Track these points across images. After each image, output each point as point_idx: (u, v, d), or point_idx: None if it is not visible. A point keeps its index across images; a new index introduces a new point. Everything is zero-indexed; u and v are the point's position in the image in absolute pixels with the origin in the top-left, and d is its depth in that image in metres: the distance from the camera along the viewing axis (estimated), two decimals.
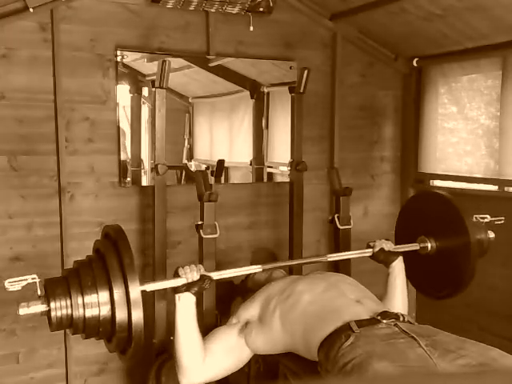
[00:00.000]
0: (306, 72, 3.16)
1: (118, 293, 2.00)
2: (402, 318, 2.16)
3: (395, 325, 2.10)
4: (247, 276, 2.86)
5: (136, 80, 3.22)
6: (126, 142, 3.23)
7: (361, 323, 2.10)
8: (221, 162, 3.43)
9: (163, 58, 2.85)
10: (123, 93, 3.19)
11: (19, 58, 2.95)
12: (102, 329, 2.05)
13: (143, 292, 2.12)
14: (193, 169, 3.41)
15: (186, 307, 2.29)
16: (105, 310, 2.01)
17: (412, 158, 3.90)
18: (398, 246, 2.75)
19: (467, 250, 2.64)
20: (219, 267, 2.71)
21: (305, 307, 2.32)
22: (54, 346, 3.17)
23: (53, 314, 2.01)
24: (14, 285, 2.02)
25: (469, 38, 3.23)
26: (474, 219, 2.74)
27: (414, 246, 2.79)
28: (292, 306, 2.35)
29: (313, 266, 2.95)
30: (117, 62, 3.13)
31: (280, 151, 3.55)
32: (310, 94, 3.37)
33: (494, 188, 3.45)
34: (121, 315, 2.00)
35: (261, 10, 3.30)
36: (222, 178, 3.46)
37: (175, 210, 3.30)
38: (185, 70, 3.34)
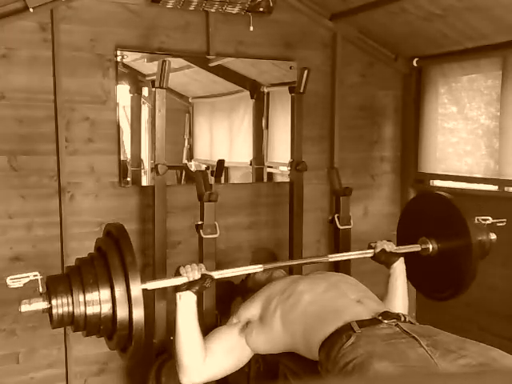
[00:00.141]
0: (305, 72, 3.16)
1: (120, 291, 2.00)
2: (403, 318, 2.16)
3: (396, 325, 2.10)
4: (247, 276, 2.86)
5: (136, 80, 3.22)
6: (126, 141, 3.23)
7: (362, 323, 2.10)
8: (221, 162, 3.43)
9: (163, 58, 2.84)
10: (123, 93, 3.19)
11: (19, 58, 2.95)
12: (102, 326, 2.06)
13: (144, 290, 2.12)
14: (193, 169, 3.41)
15: (186, 306, 2.29)
16: (106, 308, 2.02)
17: (412, 158, 3.90)
18: (399, 247, 2.75)
19: (468, 252, 2.64)
20: (219, 267, 2.71)
21: (305, 307, 2.32)
22: (53, 346, 3.17)
23: (54, 311, 2.02)
24: (15, 281, 2.02)
25: (469, 38, 3.23)
26: (476, 221, 2.74)
27: (416, 247, 2.79)
28: (293, 306, 2.35)
29: (313, 266, 2.95)
30: (117, 62, 3.13)
31: (280, 151, 3.55)
32: (310, 94, 3.37)
33: (494, 188, 3.45)
34: (122, 313, 2.00)
35: (261, 9, 3.30)
36: (222, 178, 3.46)
37: (175, 210, 3.30)
38: (185, 70, 3.34)
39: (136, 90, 3.23)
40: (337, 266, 3.03)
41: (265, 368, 2.74)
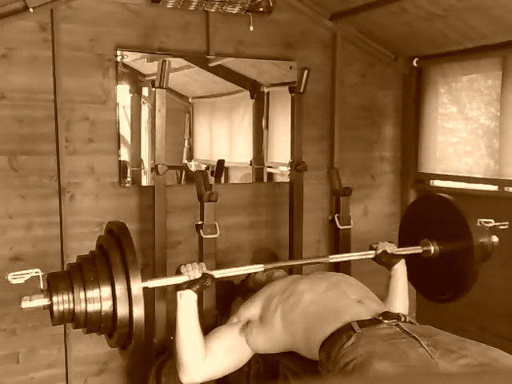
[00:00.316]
0: (305, 72, 3.16)
1: (120, 288, 2.01)
2: (403, 319, 2.16)
3: (396, 325, 2.10)
4: (248, 276, 2.86)
5: (136, 80, 3.22)
6: (126, 141, 3.23)
7: (362, 323, 2.10)
8: (221, 162, 3.43)
9: (163, 58, 2.84)
10: (123, 93, 3.19)
11: (19, 58, 2.95)
12: (103, 324, 2.06)
13: (145, 289, 2.13)
14: (193, 169, 3.41)
15: (187, 305, 2.30)
16: (106, 306, 2.03)
17: (412, 157, 3.90)
18: (400, 249, 2.75)
19: (470, 254, 2.63)
20: (219, 267, 2.71)
21: (306, 307, 2.32)
22: (54, 346, 3.17)
23: (55, 308, 2.02)
24: (16, 278, 2.03)
25: (469, 38, 3.23)
26: (478, 223, 2.73)
27: (417, 249, 2.79)
28: (293, 306, 2.35)
29: (313, 266, 2.94)
30: (117, 62, 3.13)
31: (280, 151, 3.55)
32: (310, 94, 3.37)
33: (494, 188, 3.45)
34: (122, 311, 2.01)
35: (261, 9, 3.30)
36: (222, 178, 3.46)
37: (175, 210, 3.29)
38: (185, 70, 3.34)
39: (136, 90, 3.23)
40: (337, 266, 3.03)
41: (265, 368, 2.74)
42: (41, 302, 2.03)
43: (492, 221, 2.78)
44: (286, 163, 3.40)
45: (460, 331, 2.10)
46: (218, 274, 2.43)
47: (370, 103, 3.85)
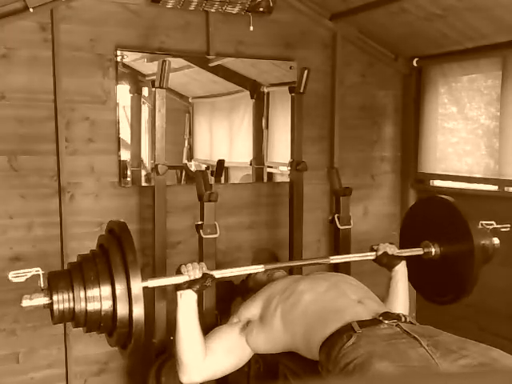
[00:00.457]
0: (305, 72, 3.16)
1: (120, 288, 2.01)
2: (403, 319, 2.16)
3: (397, 325, 2.10)
4: (248, 275, 2.86)
5: (136, 80, 3.22)
6: (126, 141, 3.23)
7: (362, 323, 2.10)
8: (221, 162, 3.43)
9: (163, 58, 2.84)
10: (123, 93, 3.19)
11: (19, 58, 2.95)
12: (103, 323, 2.07)
13: (145, 288, 2.13)
14: (193, 169, 3.41)
15: (187, 304, 2.30)
16: (106, 305, 2.03)
17: (412, 157, 3.90)
18: (401, 250, 2.74)
19: (471, 257, 2.62)
20: (219, 267, 2.70)
21: (306, 307, 2.32)
22: (53, 346, 3.17)
23: (55, 306, 2.03)
24: (17, 277, 2.03)
25: (469, 38, 3.23)
26: (480, 225, 2.73)
27: (418, 251, 2.78)
28: (293, 306, 2.35)
29: (313, 266, 2.95)
30: (117, 62, 3.13)
31: (280, 151, 3.55)
32: (310, 94, 3.37)
33: (494, 188, 3.45)
34: (122, 310, 2.01)
35: (261, 10, 3.30)
36: (222, 178, 3.46)
37: (175, 210, 3.29)
38: (185, 70, 3.34)
39: (136, 90, 3.23)
40: (337, 267, 3.02)
41: (265, 368, 2.74)
42: (41, 300, 2.04)
43: (493, 223, 2.77)
44: (286, 163, 3.40)
45: (460, 331, 2.10)
46: (218, 274, 2.43)
47: (370, 103, 3.85)
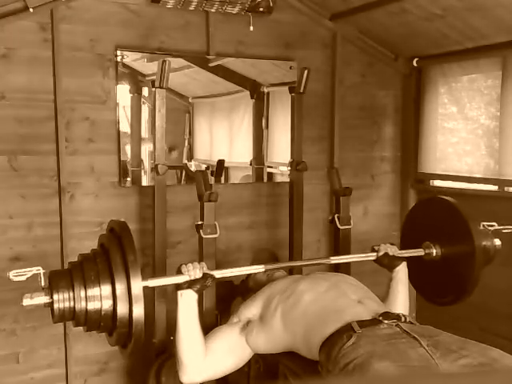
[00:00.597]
0: (305, 72, 3.16)
1: (120, 288, 2.01)
2: (403, 319, 2.16)
3: (397, 325, 2.10)
4: (248, 275, 2.86)
5: (136, 80, 3.22)
6: (126, 141, 3.23)
7: (362, 323, 2.10)
8: (221, 162, 3.43)
9: (163, 58, 2.84)
10: (123, 93, 3.19)
11: (19, 58, 2.95)
12: (103, 323, 2.07)
13: (145, 288, 2.13)
14: (193, 169, 3.41)
15: (187, 304, 2.30)
16: (107, 304, 2.03)
17: (412, 157, 3.90)
18: (402, 251, 2.74)
19: (472, 258, 2.62)
20: (219, 267, 2.71)
21: (306, 307, 2.32)
22: (54, 346, 3.17)
23: (55, 305, 2.03)
24: (18, 276, 2.03)
25: (469, 38, 3.23)
26: (482, 227, 2.72)
27: (419, 252, 2.77)
28: (293, 306, 2.35)
29: (313, 266, 2.94)
30: (117, 62, 3.13)
31: (280, 151, 3.55)
32: (310, 94, 3.37)
33: (494, 188, 3.45)
34: (122, 310, 2.01)
35: (261, 10, 3.30)
36: (222, 178, 3.46)
37: (175, 210, 3.29)
38: (185, 70, 3.34)
39: (136, 90, 3.23)
40: (337, 266, 3.02)
41: (265, 368, 2.73)
42: (42, 299, 2.04)
43: (495, 224, 2.76)
44: (286, 163, 3.40)
45: (460, 331, 2.09)
46: (218, 274, 2.43)
47: (370, 103, 3.85)
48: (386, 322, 2.12)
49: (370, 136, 3.88)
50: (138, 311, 2.01)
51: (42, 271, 2.05)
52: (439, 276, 2.80)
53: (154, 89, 2.85)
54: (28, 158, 3.01)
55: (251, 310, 2.49)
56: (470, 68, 3.50)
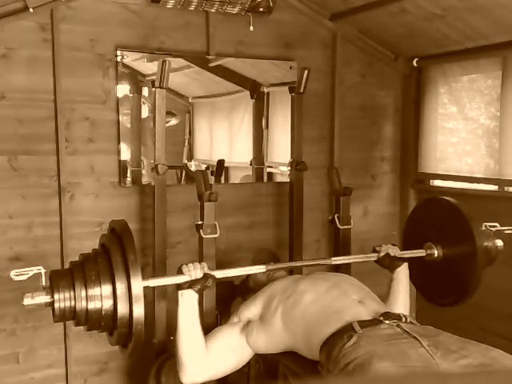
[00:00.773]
0: (305, 72, 3.16)
1: (121, 287, 2.02)
2: (404, 319, 2.16)
3: (397, 325, 2.10)
4: (248, 275, 2.86)
5: (136, 80, 3.21)
6: (126, 141, 3.23)
7: (363, 323, 2.10)
8: (221, 162, 3.43)
9: (163, 58, 2.84)
10: (123, 93, 3.19)
11: (19, 57, 2.95)
12: (103, 322, 2.07)
13: (145, 288, 2.13)
14: (193, 169, 3.41)
15: (188, 304, 2.30)
16: (107, 304, 2.04)
17: (412, 157, 3.90)
18: (403, 252, 2.73)
19: (473, 259, 2.61)
20: (219, 267, 2.71)
21: (307, 307, 2.32)
22: (54, 346, 3.17)
23: (56, 305, 2.04)
24: (19, 275, 2.04)
25: (469, 38, 3.23)
26: (484, 227, 2.71)
27: (421, 253, 2.77)
28: (294, 306, 2.35)
29: (314, 267, 2.94)
30: (117, 62, 3.13)
31: (280, 151, 3.55)
32: (310, 94, 3.37)
33: (494, 188, 3.45)
34: (122, 309, 2.02)
35: (261, 10, 3.30)
36: (222, 178, 3.46)
37: (175, 210, 3.29)
38: (185, 70, 3.34)
39: (136, 90, 3.23)
40: (338, 267, 3.02)
41: (265, 368, 2.74)
42: (43, 299, 2.05)
43: (497, 225, 2.75)
44: (286, 163, 3.41)
45: (460, 331, 2.09)
46: (219, 274, 2.43)
47: (370, 103, 3.85)
48: (386, 322, 2.12)
49: (369, 136, 3.88)
50: (139, 311, 2.02)
51: (43, 271, 2.06)
52: (441, 277, 2.80)
53: (153, 89, 2.85)
54: (28, 157, 3.01)
55: (251, 310, 2.49)
56: (470, 68, 3.50)
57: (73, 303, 2.04)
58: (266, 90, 3.53)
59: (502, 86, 3.28)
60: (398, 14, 3.20)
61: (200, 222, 2.71)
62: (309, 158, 3.36)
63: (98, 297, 2.04)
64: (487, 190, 3.51)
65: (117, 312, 2.02)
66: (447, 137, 3.71)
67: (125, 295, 2.02)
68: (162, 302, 2.91)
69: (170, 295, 2.81)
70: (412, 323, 2.18)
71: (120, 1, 3.12)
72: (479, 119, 3.50)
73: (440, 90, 3.71)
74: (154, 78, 2.88)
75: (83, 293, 2.04)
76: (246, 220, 3.55)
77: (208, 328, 2.51)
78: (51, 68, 3.00)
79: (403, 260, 2.68)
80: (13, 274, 2.05)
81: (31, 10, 2.87)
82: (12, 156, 2.98)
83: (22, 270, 2.06)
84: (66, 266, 2.90)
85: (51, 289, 2.05)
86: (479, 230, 2.67)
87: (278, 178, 3.64)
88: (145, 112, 3.26)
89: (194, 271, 2.31)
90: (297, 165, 3.27)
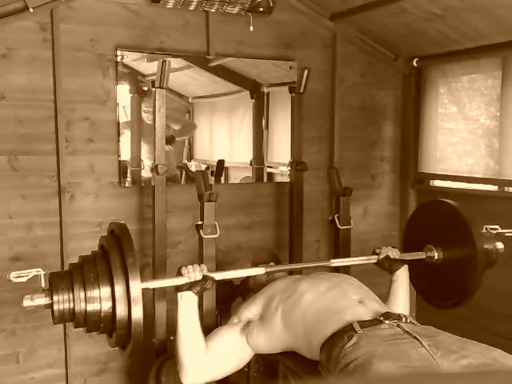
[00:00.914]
0: (305, 72, 3.16)
1: (119, 290, 2.01)
2: (404, 319, 2.16)
3: (398, 325, 2.10)
4: (248, 276, 2.85)
5: (136, 80, 3.22)
6: (126, 141, 3.23)
7: (363, 324, 2.09)
8: (221, 162, 3.43)
9: (163, 58, 2.84)
10: (123, 93, 3.19)
11: (19, 57, 2.95)
12: (102, 324, 2.07)
13: (144, 290, 2.13)
14: (193, 169, 3.41)
15: (187, 306, 2.30)
16: (106, 306, 2.04)
17: (412, 157, 3.90)
18: (403, 254, 2.72)
19: (473, 262, 2.61)
20: (219, 267, 2.70)
21: (307, 307, 2.32)
22: (54, 346, 3.17)
23: (55, 307, 2.04)
24: (19, 277, 2.04)
25: (469, 38, 3.23)
26: (484, 230, 2.71)
27: (421, 255, 2.76)
28: (294, 305, 2.35)
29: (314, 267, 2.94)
30: (117, 62, 3.13)
31: (280, 151, 3.55)
32: (310, 94, 3.38)
33: (494, 188, 3.45)
34: (121, 312, 2.02)
35: (261, 10, 3.30)
36: (222, 178, 3.46)
37: (175, 210, 3.29)
38: (185, 70, 3.34)
39: (136, 90, 3.23)
40: (337, 267, 3.02)
41: (265, 368, 2.74)
42: (42, 300, 2.05)
43: (498, 227, 2.74)
44: (286, 163, 3.41)
45: (460, 331, 2.09)
46: (218, 276, 2.43)
47: (370, 103, 3.85)
48: (386, 322, 2.11)
49: (369, 136, 3.88)
50: (137, 313, 2.01)
51: (42, 273, 2.06)
52: (441, 279, 2.79)
53: (153, 89, 2.85)
54: (28, 157, 3.01)
55: (251, 310, 2.49)
56: (470, 68, 3.50)
57: (72, 305, 2.04)
58: (265, 90, 3.53)
59: (502, 86, 3.28)
60: (398, 14, 3.20)
61: (200, 222, 2.71)
62: (309, 158, 3.36)
63: (97, 299, 2.04)
64: (487, 190, 3.51)
65: (115, 314, 2.02)
66: (447, 137, 3.71)
67: (123, 297, 2.02)
68: (162, 301, 2.91)
69: (170, 295, 2.81)
70: (412, 323, 2.18)
71: (120, 1, 3.12)
72: (479, 119, 3.50)
73: (440, 90, 3.71)
74: (154, 78, 2.88)
75: (82, 295, 2.04)
76: (245, 220, 3.55)
77: (208, 328, 2.51)
78: (51, 68, 3.00)
79: (403, 262, 2.67)
80: (12, 276, 2.05)
81: (31, 9, 2.87)
82: (12, 156, 2.98)
83: (21, 271, 2.06)
84: (66, 265, 2.91)
85: (50, 291, 2.05)
86: (480, 233, 2.66)
87: (278, 178, 3.64)
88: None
89: (193, 273, 2.31)
90: (297, 165, 3.27)
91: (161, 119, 2.84)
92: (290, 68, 3.53)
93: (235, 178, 3.55)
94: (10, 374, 3.09)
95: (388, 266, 2.67)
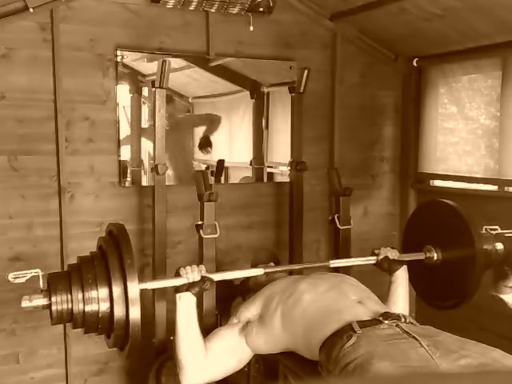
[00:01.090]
0: (305, 72, 3.16)
1: (117, 291, 2.02)
2: (403, 319, 2.16)
3: (397, 325, 2.09)
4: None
5: (136, 80, 3.22)
6: (126, 141, 3.23)
7: (363, 323, 2.09)
8: (221, 162, 3.43)
9: (163, 58, 2.84)
10: (123, 93, 3.19)
11: (19, 57, 2.95)
12: (100, 325, 2.07)
13: (143, 290, 2.13)
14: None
15: (186, 307, 2.29)
16: (104, 307, 2.04)
17: (412, 157, 3.90)
18: (402, 255, 2.72)
19: (472, 262, 2.60)
20: (219, 267, 2.70)
21: (306, 307, 2.32)
22: (54, 346, 3.17)
23: (53, 307, 2.04)
24: (17, 278, 2.04)
25: (469, 38, 3.23)
26: (484, 230, 2.71)
27: (420, 256, 2.76)
28: (293, 306, 2.35)
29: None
30: (117, 62, 3.13)
31: (280, 151, 3.55)
32: (310, 94, 3.37)
33: (494, 188, 3.45)
34: (119, 313, 2.02)
35: (261, 10, 3.30)
36: (222, 178, 3.46)
37: (175, 210, 3.29)
38: (185, 70, 3.34)
39: (136, 90, 3.23)
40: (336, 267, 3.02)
41: (265, 368, 2.74)
42: (40, 301, 2.05)
43: (497, 228, 2.73)
44: (286, 163, 3.40)
45: (460, 331, 2.09)
46: (217, 277, 2.43)
47: (370, 103, 3.85)
48: (386, 322, 2.11)
49: (369, 136, 3.88)
50: (135, 314, 2.02)
51: (40, 273, 2.06)
52: (440, 280, 2.79)
53: (153, 89, 2.85)
54: (28, 157, 3.01)
55: (251, 310, 2.48)
56: (470, 68, 3.50)
57: (70, 306, 2.04)
58: (266, 90, 3.53)
59: (502, 86, 3.28)
60: (398, 14, 3.20)
61: (200, 222, 2.71)
62: (309, 158, 3.36)
63: (95, 300, 2.04)
64: (487, 190, 3.51)
65: (113, 315, 2.02)
66: (447, 137, 3.71)
67: (121, 298, 2.02)
68: (162, 301, 2.91)
69: (169, 295, 2.81)
70: (411, 323, 2.18)
71: (120, 1, 3.12)
72: (479, 119, 3.50)
73: (440, 90, 3.71)
74: (154, 78, 2.88)
75: (80, 296, 2.04)
76: (245, 220, 3.55)
77: (208, 328, 2.51)
78: (51, 68, 3.00)
79: (402, 263, 2.67)
80: (11, 276, 2.05)
81: (31, 10, 2.88)
82: (12, 156, 2.98)
83: (20, 272, 2.07)
84: (66, 266, 2.91)
85: (48, 291, 2.05)
86: (479, 234, 2.65)
87: (278, 178, 3.64)
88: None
89: (192, 274, 2.31)
90: (297, 165, 3.27)
91: (161, 119, 2.84)
92: (290, 68, 3.53)
93: (235, 177, 3.55)
94: (9, 374, 3.09)
95: (387, 267, 2.67)
